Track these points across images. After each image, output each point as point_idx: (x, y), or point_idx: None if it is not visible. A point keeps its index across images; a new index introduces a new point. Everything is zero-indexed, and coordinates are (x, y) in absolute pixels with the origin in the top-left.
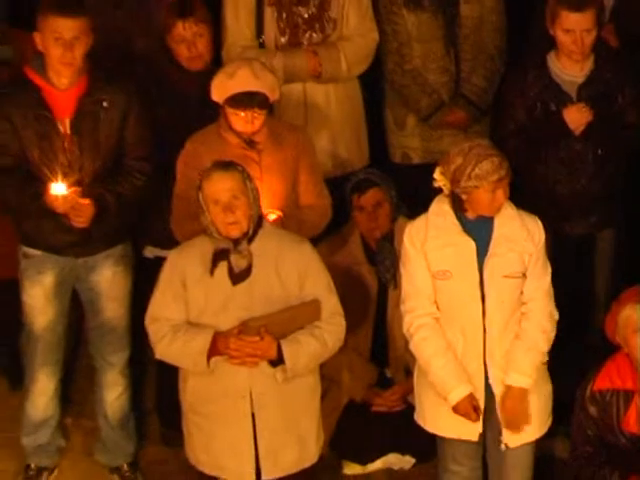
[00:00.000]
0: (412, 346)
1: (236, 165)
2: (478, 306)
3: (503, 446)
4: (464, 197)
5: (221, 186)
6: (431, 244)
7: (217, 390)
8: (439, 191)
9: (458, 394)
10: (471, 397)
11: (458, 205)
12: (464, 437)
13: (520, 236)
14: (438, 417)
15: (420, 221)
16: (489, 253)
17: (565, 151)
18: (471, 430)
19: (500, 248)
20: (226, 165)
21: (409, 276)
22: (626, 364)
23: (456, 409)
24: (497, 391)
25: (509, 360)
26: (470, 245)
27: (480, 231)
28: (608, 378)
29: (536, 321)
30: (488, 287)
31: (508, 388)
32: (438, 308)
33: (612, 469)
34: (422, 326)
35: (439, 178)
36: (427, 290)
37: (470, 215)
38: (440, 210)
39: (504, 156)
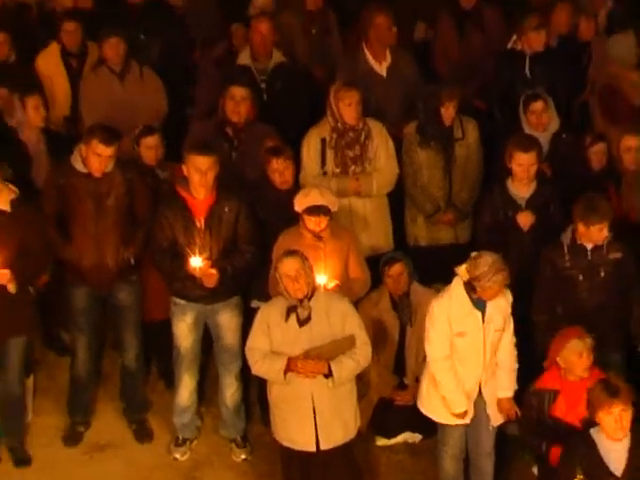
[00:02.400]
0: (436, 376)
1: (298, 252)
2: (481, 351)
3: (491, 427)
4: (478, 288)
5: (289, 266)
6: (453, 315)
7: (290, 393)
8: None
9: (460, 409)
10: (465, 411)
11: (471, 290)
12: (459, 423)
13: (502, 304)
14: (444, 411)
15: (445, 299)
16: (487, 319)
17: (516, 240)
18: (464, 419)
19: (493, 314)
20: (291, 252)
21: (437, 333)
22: (556, 374)
23: (456, 416)
24: (487, 398)
25: (498, 383)
26: (477, 315)
27: (481, 305)
28: (544, 382)
29: (508, 352)
30: (487, 339)
31: (500, 400)
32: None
33: (542, 440)
34: (442, 368)
35: (463, 273)
36: (447, 341)
37: (475, 296)
38: (459, 292)
39: (509, 270)
